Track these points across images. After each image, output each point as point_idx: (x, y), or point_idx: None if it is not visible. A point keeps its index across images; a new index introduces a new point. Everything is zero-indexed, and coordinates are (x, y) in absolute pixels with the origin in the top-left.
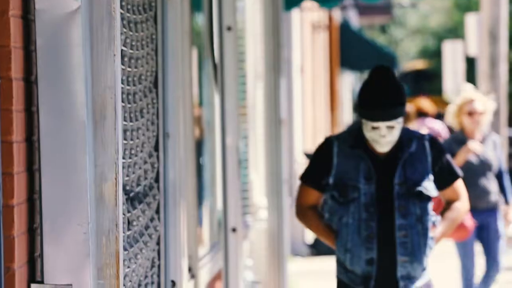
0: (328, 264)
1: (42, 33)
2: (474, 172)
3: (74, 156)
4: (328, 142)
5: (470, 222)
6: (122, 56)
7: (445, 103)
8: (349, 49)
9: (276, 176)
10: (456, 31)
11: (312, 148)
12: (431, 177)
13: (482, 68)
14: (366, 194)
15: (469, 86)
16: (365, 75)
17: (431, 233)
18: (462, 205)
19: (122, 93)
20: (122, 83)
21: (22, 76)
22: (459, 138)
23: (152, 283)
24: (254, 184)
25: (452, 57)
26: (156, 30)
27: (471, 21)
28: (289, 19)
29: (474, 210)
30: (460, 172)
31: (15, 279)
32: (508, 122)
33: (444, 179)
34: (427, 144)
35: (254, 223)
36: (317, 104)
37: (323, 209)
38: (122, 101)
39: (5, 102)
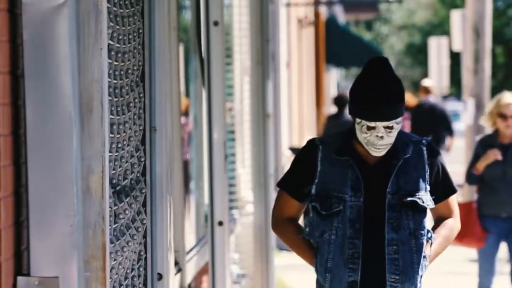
0: None
1: (29, 27)
2: (497, 179)
3: (60, 149)
4: (311, 146)
5: (481, 231)
6: (109, 50)
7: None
8: (335, 44)
9: (262, 171)
10: (441, 27)
11: (298, 143)
12: (428, 187)
13: (466, 64)
14: (352, 208)
15: (508, 92)
16: (352, 71)
17: (425, 251)
18: (455, 224)
19: (109, 87)
20: (109, 77)
21: (9, 69)
22: (487, 142)
23: (139, 276)
24: (241, 178)
25: (437, 53)
26: (143, 24)
27: (456, 17)
28: (276, 14)
29: (497, 218)
30: (456, 187)
31: (1, 272)
32: None
33: (439, 192)
34: (424, 149)
35: (240, 217)
36: (303, 99)
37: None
38: (109, 95)
39: None
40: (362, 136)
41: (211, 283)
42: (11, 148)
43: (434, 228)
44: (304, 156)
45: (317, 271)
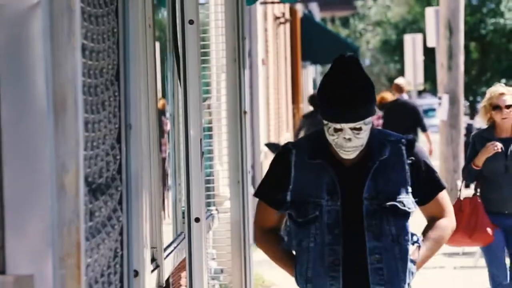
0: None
1: (2, 27)
2: (499, 174)
3: (35, 148)
4: (285, 151)
5: (490, 225)
6: (83, 50)
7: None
8: (311, 42)
9: (240, 167)
10: (416, 24)
11: (275, 139)
12: (409, 188)
13: (440, 60)
14: (330, 212)
15: (499, 83)
16: (328, 68)
17: (411, 256)
18: (448, 222)
19: (84, 85)
20: (83, 76)
21: None
22: (484, 136)
23: (115, 272)
24: (218, 175)
25: (412, 49)
26: (117, 23)
27: (430, 14)
28: (252, 12)
29: (500, 214)
30: (444, 183)
31: None
32: (465, 111)
33: (425, 191)
34: (403, 148)
35: (218, 213)
36: (280, 96)
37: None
38: (84, 94)
39: None
40: (330, 138)
41: (188, 279)
42: None
43: (425, 231)
44: (277, 162)
45: (297, 281)
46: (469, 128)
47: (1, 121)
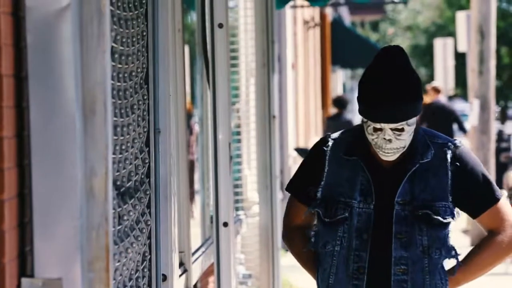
0: None
1: (32, 30)
2: None
3: (64, 151)
4: (322, 143)
5: None
6: (113, 53)
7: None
8: (341, 46)
9: (268, 172)
10: (446, 28)
11: (304, 144)
12: (449, 197)
13: (471, 65)
14: (360, 215)
15: None
16: (358, 72)
17: (446, 274)
18: (503, 238)
19: (113, 89)
20: (113, 79)
21: (13, 72)
22: None
23: (143, 277)
24: (247, 180)
25: (443, 54)
26: (147, 27)
27: (461, 18)
28: (281, 16)
29: None
30: (498, 193)
31: (5, 274)
32: (496, 117)
33: (475, 203)
34: (449, 152)
35: (246, 218)
36: (309, 101)
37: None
38: (113, 97)
39: None
40: (369, 137)
41: (216, 284)
42: (15, 150)
43: (478, 246)
44: (312, 154)
45: (318, 286)
46: (500, 134)
47: (30, 124)
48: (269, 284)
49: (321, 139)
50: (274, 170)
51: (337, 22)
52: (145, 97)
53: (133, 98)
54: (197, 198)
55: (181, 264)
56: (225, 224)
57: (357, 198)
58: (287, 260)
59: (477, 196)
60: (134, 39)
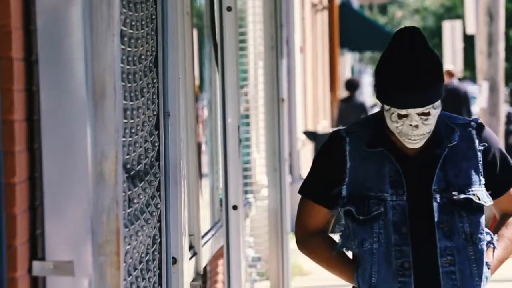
0: None
1: (42, 14)
2: None
3: (74, 135)
4: (337, 139)
5: None
6: (122, 36)
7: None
8: (349, 29)
9: (277, 155)
10: (455, 11)
11: (313, 127)
12: (482, 179)
13: (480, 47)
14: (395, 208)
15: None
16: (366, 54)
17: (486, 259)
18: None
19: (122, 72)
20: (122, 62)
21: (23, 56)
22: None
23: (153, 260)
24: (255, 163)
25: (451, 36)
26: (156, 10)
27: (469, 0)
28: None
29: None
30: None
31: (17, 256)
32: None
33: (498, 183)
34: (474, 133)
35: (255, 201)
36: (318, 84)
37: (334, 231)
38: (122, 81)
39: (6, 81)
40: (393, 125)
41: (226, 266)
42: (26, 133)
43: (498, 229)
44: (328, 152)
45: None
46: (509, 116)
47: (40, 108)
48: (278, 267)
49: (332, 135)
50: (283, 153)
51: (345, 5)
52: (155, 81)
53: (143, 81)
54: (206, 181)
55: (191, 247)
56: (235, 207)
57: (389, 191)
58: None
59: (500, 177)
60: (143, 22)
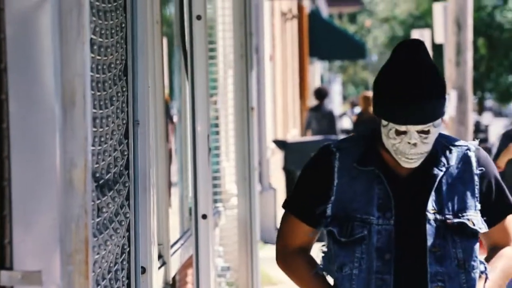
0: None
1: (12, 22)
2: None
3: (43, 143)
4: (326, 154)
5: None
6: (92, 45)
7: None
8: (319, 38)
9: (247, 164)
10: (424, 20)
11: (282, 135)
12: (478, 205)
13: (448, 56)
14: (380, 233)
15: None
16: (335, 63)
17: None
18: None
19: (92, 81)
20: (92, 71)
21: None
22: (510, 134)
23: (122, 269)
24: (225, 171)
25: None
26: (125, 19)
27: (438, 9)
28: (259, 8)
29: None
30: None
31: None
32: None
33: (493, 211)
34: (472, 155)
35: (225, 210)
36: (287, 92)
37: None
38: (92, 89)
39: None
40: (389, 142)
41: (195, 276)
42: None
43: (488, 259)
44: (316, 167)
45: None
46: (477, 124)
47: (9, 116)
48: (247, 276)
49: (322, 149)
50: (253, 161)
51: (315, 14)
52: (124, 89)
53: (112, 90)
54: (176, 190)
55: (160, 256)
56: (204, 216)
57: (375, 214)
58: (266, 252)
59: (495, 204)
60: (113, 31)
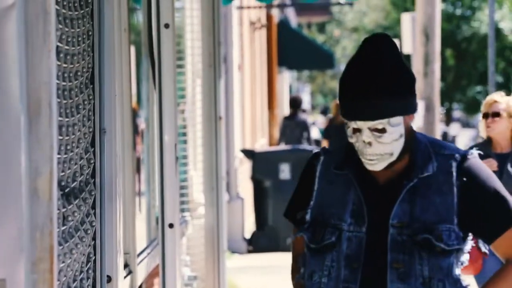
0: (265, 260)
1: None
2: None
3: (8, 151)
4: (312, 158)
5: (476, 252)
6: (58, 52)
7: None
8: (288, 47)
9: (214, 173)
10: (392, 30)
11: (251, 145)
12: (455, 219)
13: (416, 66)
14: (350, 240)
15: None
16: (304, 73)
17: None
18: None
19: (58, 89)
20: (58, 79)
21: None
22: (482, 151)
23: (88, 278)
24: (193, 181)
25: None
26: (92, 26)
27: (406, 20)
28: (228, 17)
29: None
30: None
31: None
32: (441, 118)
33: (488, 225)
34: (454, 165)
35: (192, 219)
36: (256, 102)
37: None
38: (58, 97)
39: None
40: (351, 142)
41: (161, 285)
42: None
43: (492, 278)
44: (303, 171)
45: None
46: (444, 135)
47: None
48: (214, 286)
49: (314, 153)
50: (220, 171)
51: (284, 24)
52: (91, 97)
53: (79, 98)
54: (143, 199)
55: (126, 265)
56: (171, 226)
57: (347, 220)
58: (233, 262)
59: (490, 217)
60: (79, 39)
